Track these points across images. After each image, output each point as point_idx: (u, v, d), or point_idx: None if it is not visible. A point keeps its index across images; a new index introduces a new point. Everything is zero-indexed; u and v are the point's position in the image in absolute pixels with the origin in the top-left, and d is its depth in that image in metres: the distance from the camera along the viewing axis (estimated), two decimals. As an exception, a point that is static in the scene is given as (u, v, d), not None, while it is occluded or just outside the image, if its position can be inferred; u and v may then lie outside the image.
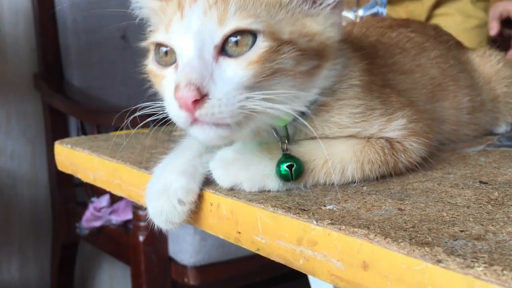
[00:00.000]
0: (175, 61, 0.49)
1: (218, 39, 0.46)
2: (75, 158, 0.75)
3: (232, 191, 0.50)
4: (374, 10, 0.96)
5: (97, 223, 1.58)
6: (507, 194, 0.47)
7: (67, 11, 1.84)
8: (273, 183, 0.50)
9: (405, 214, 0.43)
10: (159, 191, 0.50)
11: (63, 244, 1.80)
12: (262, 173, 0.50)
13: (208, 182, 0.52)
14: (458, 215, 0.42)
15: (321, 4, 0.50)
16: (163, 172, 0.52)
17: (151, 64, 0.52)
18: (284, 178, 0.49)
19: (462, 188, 0.50)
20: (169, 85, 0.48)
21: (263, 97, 0.45)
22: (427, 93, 0.66)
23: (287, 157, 0.50)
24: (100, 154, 0.70)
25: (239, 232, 0.48)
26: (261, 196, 0.49)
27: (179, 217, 0.50)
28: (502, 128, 0.78)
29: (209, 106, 0.44)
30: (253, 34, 0.46)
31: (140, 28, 2.02)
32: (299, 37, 0.48)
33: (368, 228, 0.39)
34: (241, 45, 0.46)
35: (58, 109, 1.74)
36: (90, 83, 1.86)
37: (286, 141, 0.51)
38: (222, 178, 0.51)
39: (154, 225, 0.51)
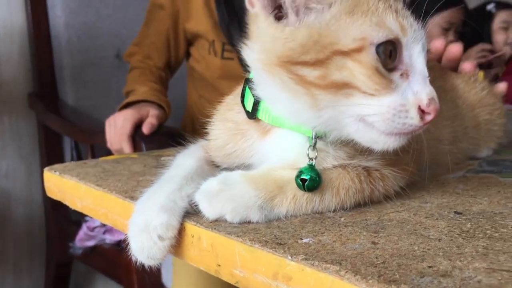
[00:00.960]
0: (394, 68, 0.49)
1: None
2: (63, 185, 0.76)
3: (213, 223, 0.51)
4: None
5: (91, 243, 1.59)
6: (479, 226, 0.49)
7: (62, 31, 1.87)
8: (256, 215, 0.51)
9: (377, 248, 0.44)
10: (140, 228, 0.51)
11: (57, 263, 1.81)
12: (246, 205, 0.51)
13: (189, 213, 0.54)
14: (429, 249, 0.43)
15: None
16: (144, 206, 0.53)
17: (373, 62, 0.48)
18: (299, 187, 0.51)
19: (437, 219, 0.51)
20: (400, 93, 0.49)
21: None
22: None
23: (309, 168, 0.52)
24: (87, 182, 0.71)
25: (219, 265, 0.49)
26: (241, 229, 0.50)
27: (160, 253, 0.51)
28: (484, 153, 0.79)
29: None
30: None
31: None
32: None
33: (340, 264, 0.40)
34: None
35: (52, 129, 1.76)
36: (84, 102, 1.88)
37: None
38: (208, 210, 0.52)
39: (137, 260, 0.52)
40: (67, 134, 1.74)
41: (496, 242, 0.44)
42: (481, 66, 2.61)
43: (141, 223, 0.51)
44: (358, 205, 0.55)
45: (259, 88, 0.55)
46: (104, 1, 1.94)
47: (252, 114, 0.56)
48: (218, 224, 0.51)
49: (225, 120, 0.60)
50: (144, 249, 0.50)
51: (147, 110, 1.37)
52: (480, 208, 0.54)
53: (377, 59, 0.47)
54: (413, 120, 0.48)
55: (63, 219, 1.77)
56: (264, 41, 0.51)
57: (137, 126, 1.36)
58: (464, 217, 0.51)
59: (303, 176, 0.51)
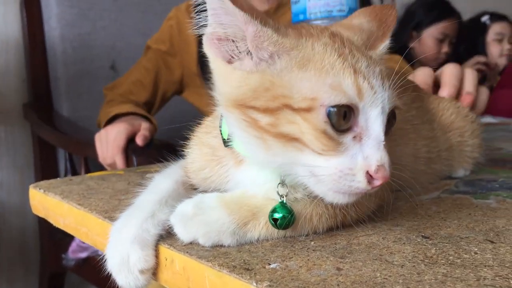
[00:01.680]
0: (348, 129, 0.47)
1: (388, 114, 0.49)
2: (47, 203, 0.77)
3: (186, 247, 0.53)
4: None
5: (83, 254, 1.60)
6: (443, 251, 0.50)
7: (57, 42, 1.88)
8: (228, 240, 0.52)
9: (341, 275, 0.45)
10: (119, 264, 0.52)
11: (50, 274, 1.82)
12: (219, 230, 0.52)
13: (163, 236, 0.55)
14: (390, 276, 0.44)
15: None
16: (118, 236, 0.54)
17: (321, 124, 0.46)
18: (272, 225, 0.52)
19: (404, 243, 0.52)
20: (350, 156, 0.47)
21: None
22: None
23: (281, 207, 0.52)
24: (70, 200, 0.72)
25: (190, 288, 0.50)
26: (212, 253, 0.51)
27: (145, 282, 0.52)
28: (460, 173, 0.81)
29: None
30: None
31: (128, 58, 2.06)
32: None
33: (302, 291, 0.41)
34: (392, 123, 0.51)
35: (46, 140, 1.77)
36: (79, 114, 1.89)
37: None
38: (182, 233, 0.53)
39: None
40: (61, 146, 1.76)
41: (456, 269, 0.45)
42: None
43: (119, 259, 0.52)
44: (331, 229, 0.56)
45: (226, 123, 0.55)
46: (99, 13, 1.96)
47: (227, 143, 0.56)
48: (191, 247, 0.52)
49: (202, 145, 0.61)
50: (130, 283, 0.52)
51: (138, 123, 1.37)
52: (447, 232, 0.55)
53: (326, 122, 0.46)
54: (360, 183, 0.47)
55: (57, 230, 1.75)
56: (220, 82, 0.52)
57: (129, 139, 1.36)
58: (430, 242, 0.52)
59: (275, 215, 0.51)
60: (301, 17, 1.02)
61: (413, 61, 2.54)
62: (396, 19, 0.58)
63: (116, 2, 2.00)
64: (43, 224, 1.82)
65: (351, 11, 1.02)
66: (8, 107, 1.87)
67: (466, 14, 2.79)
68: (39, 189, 0.79)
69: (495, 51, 2.72)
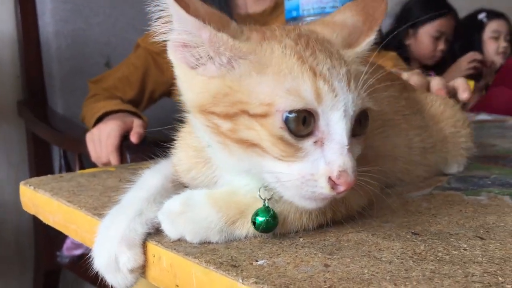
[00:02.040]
0: (309, 134, 0.46)
1: (354, 117, 0.48)
2: (37, 200, 0.76)
3: (174, 243, 0.52)
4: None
5: (78, 251, 1.59)
6: (432, 247, 0.49)
7: (51, 38, 1.87)
8: (216, 237, 0.52)
9: (328, 271, 0.44)
10: (107, 265, 0.52)
11: (45, 271, 1.81)
12: (207, 227, 0.51)
13: (151, 232, 0.54)
14: (377, 273, 0.44)
15: None
16: (105, 235, 0.54)
17: (277, 130, 0.45)
18: (255, 228, 0.51)
19: (393, 239, 0.52)
20: (311, 162, 0.46)
21: None
22: (377, 127, 0.69)
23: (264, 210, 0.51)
24: (60, 197, 0.72)
25: (177, 286, 0.50)
26: (200, 249, 0.50)
27: (134, 280, 0.53)
28: (454, 168, 0.80)
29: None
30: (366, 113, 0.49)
31: (123, 55, 2.04)
32: None
33: (288, 288, 0.41)
34: (364, 125, 0.50)
35: (40, 137, 1.76)
36: (73, 110, 1.88)
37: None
38: (170, 231, 0.53)
39: None
40: (55, 143, 1.75)
41: (445, 265, 0.45)
42: (471, 76, 2.64)
43: (106, 259, 0.52)
44: (321, 226, 0.55)
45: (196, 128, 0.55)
46: (94, 9, 1.95)
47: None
48: (179, 244, 0.52)
49: (187, 146, 0.60)
50: (120, 283, 0.52)
51: (130, 120, 1.36)
52: (437, 229, 0.55)
53: (282, 128, 0.45)
54: (323, 189, 0.46)
55: (52, 228, 1.76)
56: (184, 88, 0.52)
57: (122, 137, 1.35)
58: (420, 238, 0.52)
59: (258, 219, 0.50)
60: (294, 13, 1.01)
61: (408, 58, 2.55)
62: (385, 12, 0.56)
63: (111, -2, 1.98)
64: (38, 222, 1.79)
65: (344, 7, 1.01)
66: (2, 104, 1.86)
67: (463, 11, 2.79)
68: (29, 186, 0.79)
69: (492, 49, 2.72)
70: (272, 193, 0.51)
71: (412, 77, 0.98)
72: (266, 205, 0.51)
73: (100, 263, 0.53)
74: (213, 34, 0.47)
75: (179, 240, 0.53)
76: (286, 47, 0.48)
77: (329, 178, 0.46)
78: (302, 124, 0.45)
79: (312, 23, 0.59)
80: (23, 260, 1.88)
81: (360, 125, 0.49)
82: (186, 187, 0.62)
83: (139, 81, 1.55)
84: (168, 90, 1.62)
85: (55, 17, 1.87)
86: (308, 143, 0.46)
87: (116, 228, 0.53)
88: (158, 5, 0.48)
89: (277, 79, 0.46)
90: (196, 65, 0.49)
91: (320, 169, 0.46)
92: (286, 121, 0.45)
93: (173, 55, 0.51)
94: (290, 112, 0.45)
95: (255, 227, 0.51)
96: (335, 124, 0.46)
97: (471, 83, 2.67)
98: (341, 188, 0.46)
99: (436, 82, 1.02)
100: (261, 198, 0.51)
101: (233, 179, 0.55)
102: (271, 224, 0.50)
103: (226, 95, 0.47)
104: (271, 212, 0.50)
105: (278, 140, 0.46)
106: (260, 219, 0.50)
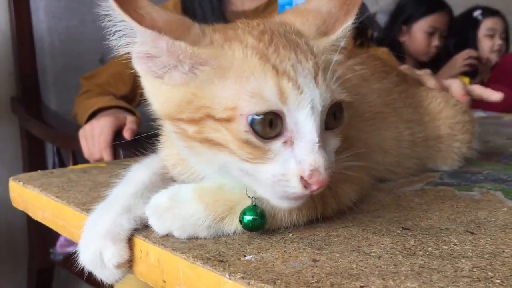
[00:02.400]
0: (277, 135, 0.45)
1: (325, 112, 0.46)
2: (26, 195, 0.76)
3: (162, 239, 0.52)
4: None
5: (71, 249, 1.58)
6: (422, 242, 0.49)
7: (45, 35, 1.86)
8: (204, 233, 0.51)
9: (316, 266, 0.44)
10: (93, 261, 0.51)
11: (39, 269, 1.80)
12: (195, 224, 0.51)
13: (138, 228, 0.54)
14: (366, 267, 0.43)
15: None
16: (92, 230, 0.53)
17: (242, 134, 0.45)
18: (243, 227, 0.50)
19: (383, 234, 0.51)
20: (281, 162, 0.45)
21: None
22: (366, 120, 0.68)
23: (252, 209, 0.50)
24: (48, 193, 0.71)
25: (165, 281, 0.49)
26: (188, 245, 0.50)
27: (122, 274, 0.52)
28: (446, 167, 0.79)
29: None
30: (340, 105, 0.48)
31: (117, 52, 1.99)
32: None
33: (275, 283, 0.40)
34: (339, 117, 0.48)
35: (34, 134, 1.75)
36: (67, 107, 1.87)
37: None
38: (158, 226, 0.52)
39: None
40: (48, 139, 1.74)
41: (434, 260, 0.44)
42: (467, 73, 2.63)
43: (92, 255, 0.51)
44: (311, 221, 0.55)
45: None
46: (88, 6, 1.93)
47: None
48: (166, 239, 0.51)
49: (171, 143, 0.59)
50: (108, 278, 0.52)
51: (124, 116, 1.35)
52: (428, 224, 0.54)
53: (248, 131, 0.44)
54: (296, 189, 0.45)
55: (45, 225, 1.76)
56: (150, 98, 0.52)
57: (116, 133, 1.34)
58: (410, 233, 0.51)
59: (245, 218, 0.50)
60: (288, 8, 1.01)
61: (402, 54, 2.54)
62: None
63: (105, -6, 1.97)
64: (31, 219, 1.78)
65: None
66: (-4, 100, 1.85)
67: (458, 8, 2.79)
68: (19, 181, 0.78)
69: (486, 46, 2.71)
70: None
71: (429, 81, 0.97)
72: (254, 203, 0.50)
73: (86, 259, 0.52)
74: (170, 43, 0.46)
75: (167, 235, 0.52)
76: (248, 46, 0.47)
77: (301, 178, 0.45)
78: (269, 126, 0.44)
79: (285, 13, 0.58)
80: (16, 258, 1.87)
81: (334, 118, 0.48)
82: (175, 181, 0.62)
83: (131, 77, 1.54)
84: None
85: (48, 14, 1.86)
86: (277, 144, 0.45)
87: (102, 224, 0.52)
88: (112, 20, 0.47)
89: (240, 82, 0.45)
90: (161, 74, 0.49)
91: (290, 169, 0.45)
92: (252, 124, 0.44)
93: (138, 66, 0.50)
94: (256, 114, 0.44)
95: (242, 226, 0.50)
96: (303, 122, 0.45)
97: (467, 80, 2.68)
98: (314, 187, 0.45)
99: (457, 86, 1.00)
100: (249, 196, 0.51)
101: (216, 177, 0.54)
102: (258, 222, 0.50)
103: (189, 102, 0.47)
104: (259, 210, 0.50)
105: (244, 144, 0.45)
106: (247, 218, 0.49)
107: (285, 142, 0.45)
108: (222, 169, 0.49)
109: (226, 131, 0.45)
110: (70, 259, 1.63)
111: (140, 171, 0.61)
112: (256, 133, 0.44)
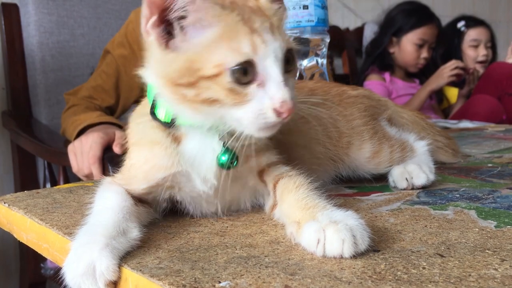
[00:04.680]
0: (250, 81, 0.57)
1: (283, 58, 0.59)
2: (11, 217, 0.77)
3: (139, 265, 0.53)
4: (313, 61, 1.00)
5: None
6: (393, 266, 0.50)
7: (36, 49, 1.87)
8: None
9: (288, 293, 0.45)
10: (81, 274, 0.52)
11: (30, 283, 1.80)
12: None
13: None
14: (335, 294, 0.45)
15: None
16: (81, 249, 0.54)
17: (227, 83, 0.57)
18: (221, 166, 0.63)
19: (356, 258, 0.53)
20: (257, 100, 0.58)
21: None
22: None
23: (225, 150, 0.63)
24: (33, 215, 0.72)
25: (142, 306, 0.50)
26: (165, 271, 0.51)
27: None
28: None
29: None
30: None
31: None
32: None
33: (246, 311, 0.42)
34: (292, 62, 0.61)
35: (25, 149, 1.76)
36: (58, 122, 1.87)
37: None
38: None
39: None
40: (38, 154, 1.74)
41: (402, 285, 0.46)
42: (455, 84, 2.65)
43: (81, 267, 0.52)
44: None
45: (166, 103, 0.63)
46: (78, 21, 1.95)
47: (171, 124, 0.64)
48: (144, 265, 0.53)
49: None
50: None
51: (112, 131, 1.36)
52: (400, 246, 0.56)
53: (230, 81, 0.56)
54: (272, 118, 0.58)
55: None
56: (156, 66, 0.62)
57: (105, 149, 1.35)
58: (382, 256, 0.53)
59: (222, 158, 0.63)
60: None
61: (393, 66, 2.56)
62: None
63: (95, 9, 1.99)
64: (22, 233, 1.80)
65: (319, 21, 1.03)
66: (-14, 115, 1.86)
67: (446, 18, 2.82)
68: (4, 203, 0.79)
69: (471, 57, 2.74)
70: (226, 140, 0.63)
71: None
72: (226, 144, 0.63)
73: (75, 274, 0.52)
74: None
75: (144, 261, 0.53)
76: (236, 14, 0.58)
77: (274, 109, 0.57)
78: (244, 74, 0.57)
79: None
80: (7, 272, 1.88)
81: (288, 63, 0.60)
82: (140, 200, 0.64)
83: (113, 88, 1.56)
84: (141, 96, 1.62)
85: (39, 29, 1.87)
86: (252, 88, 0.57)
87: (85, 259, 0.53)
88: None
89: (228, 42, 0.57)
90: (167, 40, 0.59)
91: (265, 104, 0.57)
92: (231, 74, 0.56)
93: (152, 36, 0.60)
94: (235, 66, 0.56)
95: (220, 165, 0.63)
96: (270, 68, 0.58)
97: (455, 90, 2.70)
98: (285, 115, 0.57)
99: None
100: (222, 145, 0.63)
101: (192, 150, 0.64)
102: (233, 155, 0.63)
103: (188, 68, 0.58)
104: (230, 149, 0.63)
105: (229, 92, 0.57)
106: (223, 158, 0.63)
107: (258, 85, 0.58)
108: (215, 121, 0.60)
109: (215, 85, 0.57)
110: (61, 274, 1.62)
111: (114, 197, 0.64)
112: (236, 81, 0.56)
